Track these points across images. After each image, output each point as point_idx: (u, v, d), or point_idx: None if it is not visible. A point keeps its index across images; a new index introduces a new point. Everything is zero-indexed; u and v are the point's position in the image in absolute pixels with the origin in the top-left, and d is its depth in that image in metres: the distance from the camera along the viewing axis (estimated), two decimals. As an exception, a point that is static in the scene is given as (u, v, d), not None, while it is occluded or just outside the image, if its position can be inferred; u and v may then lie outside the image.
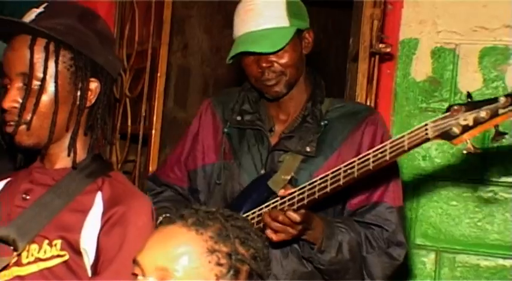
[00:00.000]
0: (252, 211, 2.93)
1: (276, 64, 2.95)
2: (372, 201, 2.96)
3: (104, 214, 2.28)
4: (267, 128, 3.09)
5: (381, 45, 3.79)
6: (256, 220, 2.90)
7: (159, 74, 4.01)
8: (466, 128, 2.50)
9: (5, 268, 2.28)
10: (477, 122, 2.49)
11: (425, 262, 4.00)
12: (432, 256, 3.99)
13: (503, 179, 3.84)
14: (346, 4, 4.20)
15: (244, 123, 3.13)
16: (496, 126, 2.49)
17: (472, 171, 3.96)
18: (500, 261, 3.96)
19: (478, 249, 3.99)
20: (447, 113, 2.55)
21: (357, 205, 2.97)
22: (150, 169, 4.03)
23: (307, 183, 2.78)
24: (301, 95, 3.08)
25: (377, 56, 3.85)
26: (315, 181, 2.76)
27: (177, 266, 1.84)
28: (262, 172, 3.06)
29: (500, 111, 2.46)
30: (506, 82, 3.99)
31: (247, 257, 1.87)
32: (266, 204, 2.87)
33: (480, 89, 4.03)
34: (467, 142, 2.50)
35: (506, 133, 2.54)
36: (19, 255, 2.27)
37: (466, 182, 3.95)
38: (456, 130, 2.51)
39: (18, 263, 2.28)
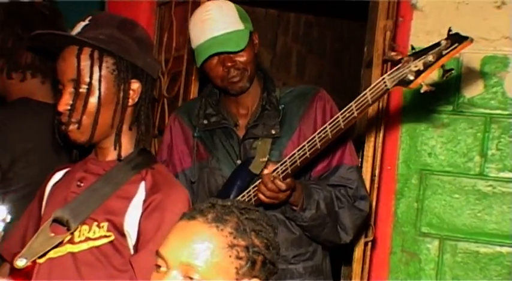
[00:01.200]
0: (242, 195, 3.04)
1: (238, 62, 3.07)
2: (333, 165, 3.08)
3: (145, 200, 2.36)
4: (232, 124, 3.21)
5: (392, 53, 3.71)
6: (246, 198, 3.02)
7: (193, 77, 4.04)
8: (418, 73, 2.63)
9: (59, 244, 2.36)
10: (427, 66, 2.61)
11: (429, 248, 3.96)
12: (436, 243, 3.96)
13: (501, 174, 3.81)
14: (361, 16, 4.16)
15: (212, 125, 3.23)
16: (443, 66, 2.63)
17: (472, 167, 3.93)
18: (498, 248, 3.91)
19: (478, 237, 3.94)
20: (399, 65, 2.69)
21: (320, 171, 3.11)
22: None
23: (287, 157, 2.88)
24: (256, 89, 3.18)
25: (389, 63, 3.77)
26: (294, 153, 2.87)
27: (200, 262, 1.85)
28: (239, 162, 3.16)
29: (444, 52, 2.59)
30: (505, 87, 3.93)
31: (261, 248, 1.90)
32: (253, 186, 3.00)
33: (481, 93, 3.97)
34: (422, 84, 2.65)
35: (452, 69, 2.69)
36: (72, 234, 2.36)
37: (467, 177, 3.92)
38: (411, 76, 2.64)
39: (71, 241, 2.37)
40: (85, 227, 2.36)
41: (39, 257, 2.36)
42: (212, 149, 3.19)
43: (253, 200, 2.96)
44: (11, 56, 3.08)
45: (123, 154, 2.44)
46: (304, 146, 2.84)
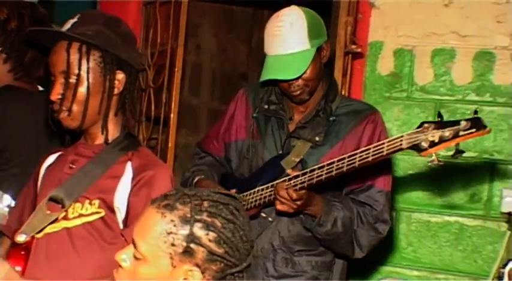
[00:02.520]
0: (266, 186, 2.95)
1: (300, 80, 2.93)
2: (366, 184, 2.96)
3: (133, 179, 2.36)
4: (288, 117, 3.09)
5: (353, 46, 3.82)
6: (268, 191, 2.95)
7: (176, 69, 4.02)
8: (432, 144, 2.52)
9: (54, 221, 2.35)
10: (441, 140, 2.51)
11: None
12: (393, 214, 3.94)
13: (450, 153, 3.81)
14: (324, 12, 4.14)
15: (270, 112, 3.13)
16: (457, 145, 2.51)
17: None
18: (446, 218, 3.96)
19: (429, 208, 4.00)
20: (419, 129, 2.57)
21: (353, 187, 2.98)
22: (170, 144, 4.07)
23: (309, 169, 2.81)
24: (318, 93, 3.05)
25: (350, 55, 3.88)
26: (315, 169, 2.79)
27: (142, 243, 1.83)
28: (279, 153, 3.07)
29: (461, 133, 2.48)
30: (452, 76, 3.98)
31: (204, 240, 1.80)
32: (277, 181, 2.88)
33: (431, 81, 4.01)
34: (433, 155, 2.53)
35: (463, 151, 2.54)
36: (66, 211, 2.35)
37: (420, 156, 3.89)
38: (425, 144, 2.53)
39: (65, 218, 2.36)
40: (78, 205, 2.34)
41: (37, 233, 2.35)
42: (263, 133, 3.11)
43: (271, 195, 2.93)
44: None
45: (110, 138, 2.43)
46: (323, 167, 2.77)
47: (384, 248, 3.93)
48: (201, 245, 1.80)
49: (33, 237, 2.35)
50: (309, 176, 2.78)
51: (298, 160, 2.98)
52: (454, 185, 3.92)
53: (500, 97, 3.88)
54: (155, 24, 4.19)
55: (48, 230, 2.35)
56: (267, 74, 2.95)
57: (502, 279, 3.32)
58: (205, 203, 1.84)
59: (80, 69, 2.33)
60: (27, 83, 3.07)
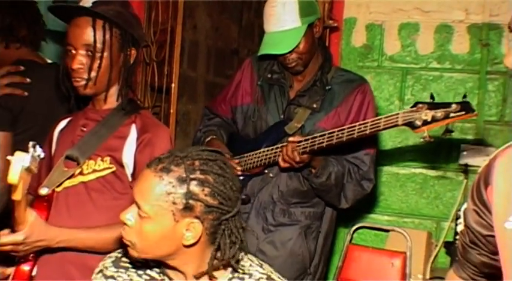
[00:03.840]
0: (271, 148, 2.97)
1: (293, 54, 2.94)
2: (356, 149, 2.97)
3: (137, 139, 2.38)
4: (288, 85, 3.09)
5: (330, 22, 3.83)
6: (272, 152, 2.97)
7: (176, 45, 3.99)
8: (425, 122, 2.53)
9: (71, 176, 2.37)
10: (434, 120, 2.52)
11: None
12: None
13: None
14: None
15: (273, 80, 3.12)
16: (447, 124, 2.54)
17: (393, 109, 3.98)
18: (412, 170, 4.01)
19: (397, 162, 4.05)
20: (414, 108, 2.58)
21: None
22: (171, 111, 4.05)
23: (310, 137, 2.81)
24: (315, 64, 3.05)
25: (328, 29, 3.85)
26: (316, 136, 2.80)
27: (145, 203, 1.82)
28: (282, 117, 3.07)
29: (451, 114, 2.49)
30: (417, 47, 4.00)
31: (201, 195, 1.81)
32: (280, 145, 2.92)
33: (399, 52, 4.03)
34: (425, 132, 2.53)
35: (452, 131, 2.57)
36: (81, 168, 2.37)
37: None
38: (418, 123, 2.54)
39: (81, 173, 2.38)
40: (91, 162, 2.36)
41: (57, 187, 2.36)
42: (266, 99, 3.10)
43: (275, 156, 2.93)
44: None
45: (116, 104, 2.45)
46: (323, 135, 2.77)
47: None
48: (198, 200, 1.80)
49: (53, 190, 2.35)
50: (311, 142, 2.79)
51: (299, 125, 2.99)
52: (418, 141, 3.85)
53: (458, 64, 3.91)
54: (157, 6, 4.15)
55: (66, 184, 2.36)
56: (263, 49, 2.96)
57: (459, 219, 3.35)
58: (197, 162, 1.84)
59: (103, 44, 2.32)
60: (36, 56, 3.05)
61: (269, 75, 3.12)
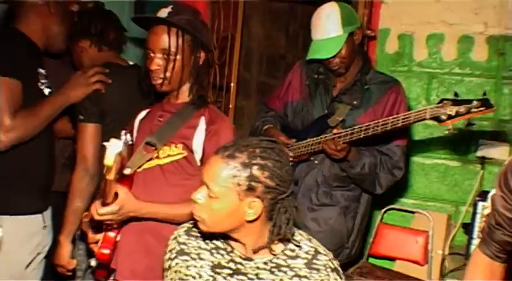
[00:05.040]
0: (316, 138, 2.96)
1: (336, 59, 2.93)
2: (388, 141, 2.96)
3: (206, 129, 2.39)
4: (332, 84, 3.07)
5: (368, 31, 3.78)
6: (317, 142, 2.95)
7: (235, 51, 4.03)
8: (450, 117, 2.53)
9: (150, 160, 2.40)
10: (457, 114, 2.51)
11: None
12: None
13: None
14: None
15: (319, 80, 3.10)
16: (469, 119, 2.56)
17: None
18: (435, 161, 3.99)
19: (423, 154, 3.99)
20: (439, 104, 2.57)
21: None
22: (230, 106, 4.10)
23: (350, 129, 2.81)
24: (355, 67, 3.03)
25: (366, 38, 3.83)
26: (355, 129, 2.79)
27: (214, 185, 1.84)
28: (326, 112, 3.05)
29: (473, 109, 2.49)
30: (442, 54, 3.95)
31: (261, 178, 1.82)
32: (324, 136, 2.92)
33: (426, 58, 3.99)
34: (450, 126, 2.54)
35: (474, 124, 2.68)
36: (158, 152, 2.39)
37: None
38: (444, 117, 2.54)
39: (157, 157, 2.40)
40: (166, 148, 2.39)
41: (138, 168, 2.39)
42: (313, 97, 3.08)
43: (319, 145, 2.93)
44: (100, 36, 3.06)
45: (188, 98, 2.47)
46: (361, 127, 2.78)
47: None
48: (259, 182, 1.82)
49: (135, 171, 2.38)
50: (350, 133, 2.79)
51: (340, 119, 2.98)
52: (441, 136, 3.90)
53: (477, 70, 3.86)
54: (219, 16, 4.13)
55: (145, 166, 2.40)
56: (311, 55, 2.95)
57: (477, 206, 3.32)
58: (257, 150, 1.85)
59: (177, 48, 2.34)
60: (120, 58, 3.06)
61: (315, 76, 3.10)
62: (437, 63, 3.95)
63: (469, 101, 2.51)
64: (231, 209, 1.85)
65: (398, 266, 3.71)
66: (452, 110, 2.53)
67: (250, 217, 1.86)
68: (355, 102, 2.99)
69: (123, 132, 2.40)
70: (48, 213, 2.87)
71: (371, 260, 3.79)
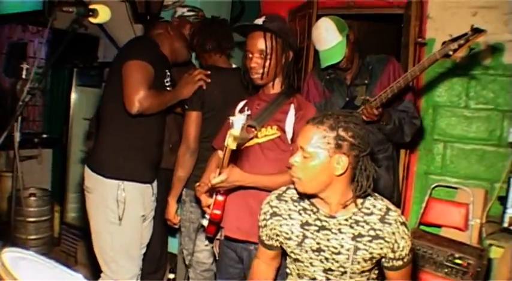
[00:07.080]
0: (355, 112, 2.78)
1: (344, 59, 2.88)
2: (402, 99, 2.95)
3: (295, 114, 2.37)
4: (343, 78, 3.02)
5: (419, 40, 3.73)
6: (356, 114, 2.87)
7: (310, 58, 3.97)
8: (455, 50, 2.50)
9: (250, 139, 2.40)
10: (459, 46, 2.49)
11: (438, 147, 3.96)
12: (441, 144, 3.95)
13: (480, 106, 3.74)
14: (400, 20, 4.05)
15: (331, 79, 3.05)
16: (469, 46, 2.50)
17: (462, 102, 3.87)
18: (474, 146, 3.87)
19: (464, 140, 3.90)
20: (443, 45, 2.54)
21: (397, 103, 2.94)
22: None
23: (377, 95, 2.74)
24: (356, 60, 3.01)
25: (417, 45, 3.77)
26: (381, 94, 2.73)
27: (307, 146, 1.84)
28: (347, 99, 2.99)
29: (470, 38, 2.47)
30: (478, 58, 3.82)
31: (347, 137, 1.82)
32: (359, 109, 2.81)
33: (466, 62, 3.84)
34: (457, 57, 2.51)
35: (473, 48, 2.58)
36: (257, 133, 2.39)
37: (458, 108, 3.89)
38: (450, 52, 2.51)
39: (256, 137, 2.40)
40: (264, 129, 2.40)
41: (241, 146, 2.41)
42: (331, 91, 3.05)
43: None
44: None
45: (281, 89, 2.47)
46: (392, 87, 2.71)
47: (437, 165, 3.95)
48: (345, 140, 1.83)
49: (240, 148, 2.38)
50: (379, 98, 2.73)
51: (362, 97, 2.91)
52: (479, 125, 3.83)
53: (508, 71, 3.75)
54: (295, 29, 4.13)
55: (247, 144, 2.41)
56: (324, 63, 2.91)
57: (510, 182, 3.25)
58: (340, 117, 1.87)
59: (271, 49, 2.36)
60: (224, 62, 3.04)
61: (328, 77, 3.06)
62: (475, 65, 3.86)
63: (464, 34, 2.50)
64: (323, 165, 1.84)
65: (444, 232, 3.66)
66: (454, 45, 2.50)
67: (338, 171, 1.85)
68: (366, 81, 2.97)
69: (246, 107, 2.42)
70: (155, 184, 2.96)
71: (422, 227, 3.76)
